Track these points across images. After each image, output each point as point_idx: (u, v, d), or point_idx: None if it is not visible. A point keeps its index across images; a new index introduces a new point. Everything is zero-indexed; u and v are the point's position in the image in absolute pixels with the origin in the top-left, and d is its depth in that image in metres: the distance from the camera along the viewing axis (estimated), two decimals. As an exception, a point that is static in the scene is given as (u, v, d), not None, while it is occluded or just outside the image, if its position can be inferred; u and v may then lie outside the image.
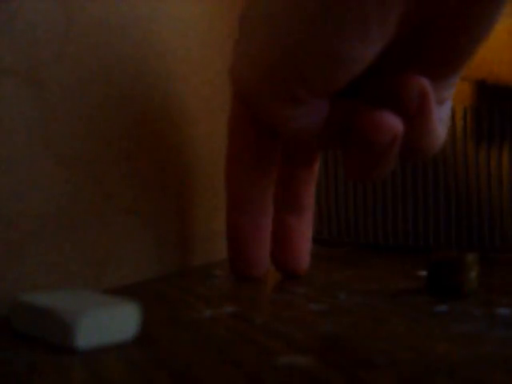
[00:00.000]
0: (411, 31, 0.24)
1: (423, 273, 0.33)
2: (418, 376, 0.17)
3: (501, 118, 0.39)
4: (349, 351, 0.20)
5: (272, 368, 0.18)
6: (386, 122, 0.24)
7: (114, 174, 0.31)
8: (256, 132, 0.29)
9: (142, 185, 0.33)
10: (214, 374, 0.18)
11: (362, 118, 0.25)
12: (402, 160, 0.28)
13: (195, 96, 0.37)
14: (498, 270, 0.34)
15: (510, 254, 0.39)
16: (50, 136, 0.28)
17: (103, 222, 0.30)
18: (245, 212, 0.30)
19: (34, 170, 0.27)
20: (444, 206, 0.40)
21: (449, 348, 0.20)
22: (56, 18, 0.28)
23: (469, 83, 0.42)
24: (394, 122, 0.25)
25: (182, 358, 0.19)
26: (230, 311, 0.25)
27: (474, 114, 0.40)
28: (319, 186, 0.44)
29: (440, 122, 0.27)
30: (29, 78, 0.27)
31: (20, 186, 0.26)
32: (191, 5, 0.37)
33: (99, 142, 0.30)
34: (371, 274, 0.33)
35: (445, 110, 0.27)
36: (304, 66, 0.24)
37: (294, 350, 0.20)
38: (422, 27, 0.24)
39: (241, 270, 0.31)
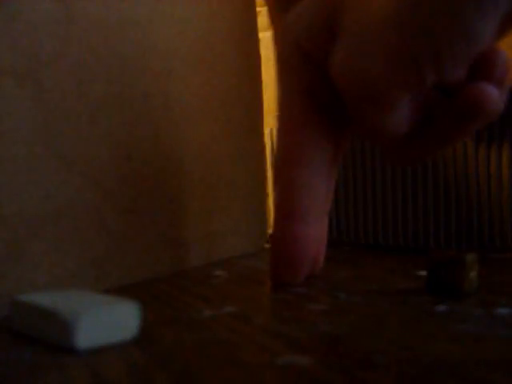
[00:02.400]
0: None
1: (423, 273, 0.33)
2: (418, 376, 0.17)
3: (501, 118, 0.39)
4: (349, 351, 0.20)
5: (272, 368, 0.18)
6: (491, 92, 0.25)
7: (113, 174, 0.31)
8: (320, 123, 0.28)
9: (141, 185, 0.33)
10: (214, 373, 0.18)
11: (468, 91, 0.25)
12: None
13: (195, 96, 0.37)
14: (498, 270, 0.34)
15: (509, 254, 0.39)
16: (50, 136, 0.28)
17: (103, 221, 0.30)
18: (299, 222, 0.29)
19: (34, 170, 0.27)
20: (444, 206, 0.40)
21: (449, 348, 0.20)
22: (56, 18, 0.28)
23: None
24: (496, 92, 0.25)
25: (182, 358, 0.19)
26: (230, 311, 0.25)
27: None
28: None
29: None
30: (29, 78, 0.27)
31: (20, 186, 0.26)
32: (191, 5, 0.37)
33: (99, 142, 0.30)
34: (371, 274, 0.33)
35: None
36: (440, 45, 0.23)
37: (294, 350, 0.20)
38: None
39: (285, 274, 0.30)
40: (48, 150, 0.28)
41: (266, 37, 0.46)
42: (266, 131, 0.47)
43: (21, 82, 0.26)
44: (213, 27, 0.39)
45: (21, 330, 0.22)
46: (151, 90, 0.34)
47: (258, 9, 0.44)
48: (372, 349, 0.20)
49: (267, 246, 0.43)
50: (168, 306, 0.27)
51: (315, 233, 0.30)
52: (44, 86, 0.27)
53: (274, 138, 0.47)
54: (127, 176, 0.32)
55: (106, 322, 0.21)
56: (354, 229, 0.44)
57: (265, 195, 0.44)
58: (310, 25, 0.27)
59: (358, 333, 0.22)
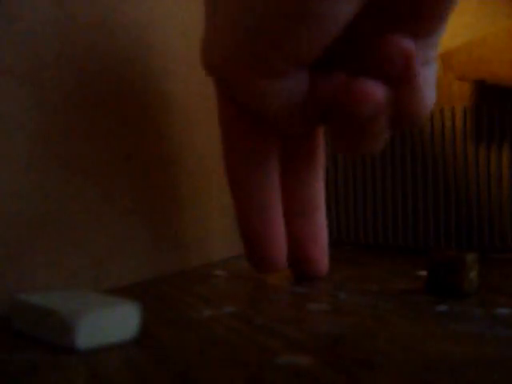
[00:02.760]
0: None
1: (423, 273, 0.33)
2: (418, 376, 0.17)
3: (501, 118, 0.39)
4: (349, 351, 0.20)
5: (272, 368, 0.18)
6: (365, 90, 0.23)
7: (113, 174, 0.31)
8: (244, 123, 0.29)
9: (141, 185, 0.33)
10: (213, 373, 0.18)
11: (342, 88, 0.24)
12: (392, 129, 0.27)
13: (195, 96, 0.37)
14: (498, 270, 0.34)
15: (509, 254, 0.39)
16: (49, 136, 0.28)
17: (103, 222, 0.30)
18: (250, 209, 0.30)
19: (34, 170, 0.27)
20: (444, 206, 0.40)
21: (449, 348, 0.20)
22: (56, 17, 0.28)
23: (469, 83, 0.42)
24: (374, 90, 0.23)
25: (181, 358, 0.19)
26: (230, 311, 0.25)
27: (474, 113, 0.40)
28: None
29: (427, 85, 0.25)
30: (29, 78, 0.27)
31: (20, 186, 0.26)
32: (191, 5, 0.37)
33: (99, 142, 0.30)
34: (371, 274, 0.33)
35: (431, 71, 0.26)
36: (278, 30, 0.22)
37: (294, 350, 0.20)
38: None
39: (258, 267, 0.31)
40: (48, 150, 0.28)
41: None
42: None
43: (21, 81, 0.26)
44: (213, 27, 0.39)
45: (21, 330, 0.22)
46: (151, 89, 0.34)
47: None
48: (372, 349, 0.20)
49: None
50: (168, 306, 0.27)
51: (275, 219, 0.30)
52: (44, 86, 0.27)
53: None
54: (127, 176, 0.32)
55: (106, 322, 0.21)
56: (354, 229, 0.44)
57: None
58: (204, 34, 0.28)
59: (358, 333, 0.22)
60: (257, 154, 0.29)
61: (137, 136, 0.33)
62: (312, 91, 0.25)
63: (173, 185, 0.35)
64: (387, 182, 0.42)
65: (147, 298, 0.29)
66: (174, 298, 0.29)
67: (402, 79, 0.24)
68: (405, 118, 0.26)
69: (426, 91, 0.25)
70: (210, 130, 0.39)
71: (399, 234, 0.42)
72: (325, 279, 0.32)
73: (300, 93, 0.25)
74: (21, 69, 0.26)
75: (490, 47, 0.39)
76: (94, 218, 0.30)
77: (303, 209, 0.31)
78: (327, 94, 0.25)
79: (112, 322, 0.21)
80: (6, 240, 0.25)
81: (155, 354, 0.20)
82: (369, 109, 0.24)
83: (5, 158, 0.26)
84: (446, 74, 0.42)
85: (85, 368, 0.19)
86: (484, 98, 0.41)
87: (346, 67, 0.26)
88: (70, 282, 0.28)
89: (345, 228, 0.44)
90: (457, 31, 0.48)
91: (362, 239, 0.43)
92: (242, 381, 0.17)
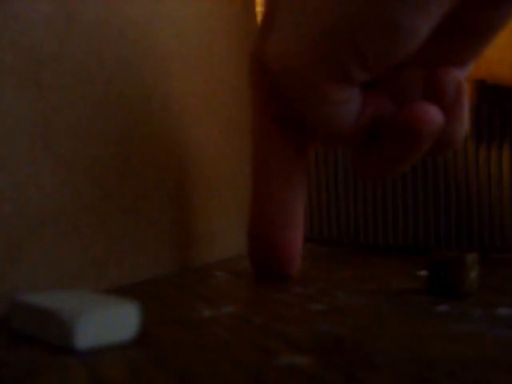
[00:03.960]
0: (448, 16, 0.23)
1: (423, 273, 0.33)
2: (417, 376, 0.17)
3: (501, 118, 0.39)
4: (349, 351, 0.20)
5: (272, 368, 0.18)
6: (433, 113, 0.24)
7: (113, 174, 0.31)
8: (282, 131, 0.28)
9: (141, 185, 0.33)
10: (213, 374, 0.18)
11: (408, 109, 0.24)
12: (430, 154, 0.27)
13: (195, 96, 0.37)
14: (498, 270, 0.34)
15: (510, 254, 0.39)
16: (49, 136, 0.28)
17: (103, 221, 0.30)
18: (273, 222, 0.30)
19: (34, 170, 0.27)
20: (444, 206, 0.40)
21: (449, 348, 0.20)
22: (56, 17, 0.28)
23: (469, 83, 0.42)
24: (439, 114, 0.24)
25: (181, 358, 0.19)
26: (230, 311, 0.25)
27: (474, 113, 0.40)
28: (319, 187, 0.44)
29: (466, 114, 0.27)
30: (29, 78, 0.27)
31: (20, 186, 0.26)
32: (191, 5, 0.37)
33: (99, 142, 0.30)
34: (371, 274, 0.33)
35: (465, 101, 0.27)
36: (362, 36, 0.22)
37: (294, 350, 0.20)
38: (457, 14, 0.23)
39: (272, 269, 0.31)
40: (48, 150, 0.28)
41: (266, 37, 0.46)
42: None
43: (21, 82, 0.26)
44: (213, 27, 0.39)
45: (21, 330, 0.22)
46: (151, 89, 0.34)
47: (257, 9, 0.44)
48: (372, 349, 0.20)
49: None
50: (168, 306, 0.27)
51: (298, 235, 0.31)
52: (44, 86, 0.27)
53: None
54: (127, 176, 0.32)
55: (106, 322, 0.21)
56: (354, 229, 0.43)
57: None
58: (260, 30, 0.27)
59: (357, 333, 0.22)
60: (290, 165, 0.29)
61: (137, 136, 0.33)
62: (365, 105, 0.26)
63: (172, 185, 0.35)
64: (388, 183, 0.42)
65: (147, 298, 0.28)
66: (173, 298, 0.29)
67: (453, 107, 0.25)
68: (445, 145, 0.27)
69: (465, 120, 0.27)
70: (210, 130, 0.39)
71: (399, 234, 0.42)
72: (325, 279, 0.32)
73: (357, 104, 0.26)
74: (21, 68, 0.26)
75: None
76: (94, 218, 0.30)
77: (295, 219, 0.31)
78: (380, 111, 0.26)
79: (112, 322, 0.21)
80: (5, 240, 0.25)
81: (155, 354, 0.20)
82: (430, 131, 0.24)
83: (5, 157, 0.26)
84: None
85: (84, 368, 0.19)
86: (484, 97, 0.41)
87: (391, 91, 0.26)
88: (70, 281, 0.28)
89: (345, 228, 0.44)
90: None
91: (361, 239, 0.43)
92: (241, 381, 0.17)
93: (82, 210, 0.29)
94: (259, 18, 0.45)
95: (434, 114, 0.24)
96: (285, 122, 0.29)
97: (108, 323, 0.21)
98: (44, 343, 0.21)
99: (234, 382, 0.17)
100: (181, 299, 0.28)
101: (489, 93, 0.41)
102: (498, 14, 0.23)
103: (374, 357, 0.19)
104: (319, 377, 0.17)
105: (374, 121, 0.26)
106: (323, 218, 0.44)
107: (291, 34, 0.24)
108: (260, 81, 0.28)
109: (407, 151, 0.26)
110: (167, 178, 0.35)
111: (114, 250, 0.31)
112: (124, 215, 0.32)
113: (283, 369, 0.18)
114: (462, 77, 0.26)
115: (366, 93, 0.26)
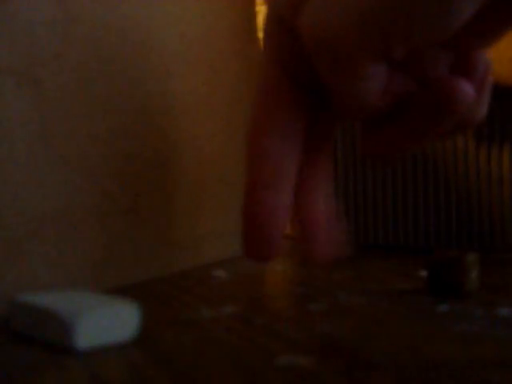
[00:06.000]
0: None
1: (423, 273, 0.33)
2: (418, 376, 0.17)
3: (501, 118, 0.39)
4: (348, 351, 0.20)
5: (272, 368, 0.18)
6: (467, 88, 0.24)
7: (113, 174, 0.31)
8: (294, 99, 0.28)
9: (141, 185, 0.33)
10: (213, 373, 0.18)
11: (443, 82, 0.25)
12: (445, 135, 0.28)
13: (195, 96, 0.37)
14: (498, 270, 0.34)
15: (510, 254, 0.39)
16: (49, 136, 0.28)
17: (103, 221, 0.30)
18: (265, 190, 0.29)
19: (34, 170, 0.27)
20: (444, 206, 0.40)
21: (449, 348, 0.20)
22: (56, 17, 0.28)
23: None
24: (470, 89, 0.25)
25: (181, 358, 0.19)
26: (230, 311, 0.25)
27: (474, 113, 0.40)
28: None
29: None
30: (28, 78, 0.27)
31: (20, 186, 0.26)
32: (191, 5, 0.37)
33: (99, 142, 0.30)
34: (371, 274, 0.33)
35: None
36: (411, 14, 0.22)
37: (294, 350, 0.20)
38: None
39: (252, 249, 0.30)
40: (48, 150, 0.27)
41: (266, 37, 0.46)
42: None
43: (20, 82, 0.26)
44: (213, 27, 0.39)
45: (20, 330, 0.22)
46: (151, 89, 0.34)
47: (257, 8, 0.44)
48: (372, 349, 0.20)
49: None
50: (168, 306, 0.27)
51: (282, 203, 0.30)
52: (44, 86, 0.27)
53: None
54: (127, 176, 0.32)
55: (106, 322, 0.21)
56: (353, 229, 0.43)
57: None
58: None
59: (358, 333, 0.22)
60: (289, 128, 0.28)
61: (137, 136, 0.33)
62: (389, 82, 0.26)
63: (173, 185, 0.35)
64: (388, 183, 0.42)
65: (147, 298, 0.28)
66: (173, 298, 0.29)
67: (481, 89, 0.26)
68: (462, 126, 0.27)
69: (487, 102, 0.27)
70: (210, 129, 0.39)
71: (400, 233, 0.42)
72: (325, 279, 0.32)
73: (384, 80, 0.26)
74: (20, 68, 0.26)
75: (490, 47, 0.39)
76: (94, 218, 0.30)
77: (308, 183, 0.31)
78: (403, 88, 0.26)
79: (112, 322, 0.21)
80: (5, 240, 0.25)
81: (155, 354, 0.20)
82: (462, 107, 0.25)
83: (5, 158, 0.26)
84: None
85: (84, 368, 0.19)
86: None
87: (416, 69, 0.26)
88: (70, 282, 0.28)
89: (345, 228, 0.44)
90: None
91: (362, 239, 0.43)
92: (242, 381, 0.17)
93: (81, 209, 0.29)
94: (259, 17, 0.45)
95: (467, 90, 0.25)
96: (299, 83, 0.28)
97: (108, 323, 0.21)
98: (44, 343, 0.21)
99: (233, 382, 0.17)
100: (181, 299, 0.28)
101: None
102: None
103: (374, 357, 0.19)
104: (319, 377, 0.17)
105: (396, 97, 0.27)
106: (323, 218, 0.44)
107: (335, 7, 0.24)
108: (277, 35, 0.28)
109: (430, 127, 0.26)
110: (167, 178, 0.35)
111: (113, 250, 0.31)
112: (124, 215, 0.32)
113: (283, 369, 0.18)
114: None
115: (390, 69, 0.26)
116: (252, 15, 0.43)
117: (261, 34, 0.30)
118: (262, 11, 0.47)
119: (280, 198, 0.30)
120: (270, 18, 0.28)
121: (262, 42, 0.30)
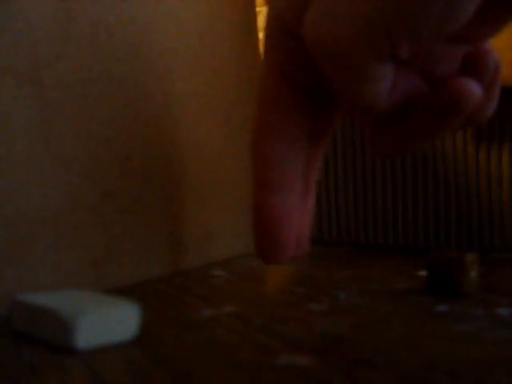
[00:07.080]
0: None
1: (423, 273, 0.33)
2: (417, 376, 0.17)
3: (501, 118, 0.39)
4: (348, 351, 0.20)
5: (272, 368, 0.18)
6: (474, 88, 0.25)
7: (113, 174, 0.31)
8: (295, 102, 0.28)
9: (141, 185, 0.33)
10: (213, 373, 0.18)
11: (450, 82, 0.25)
12: (453, 130, 0.28)
13: (195, 96, 0.37)
14: (498, 270, 0.34)
15: (509, 254, 0.39)
16: (49, 136, 0.28)
17: (103, 222, 0.30)
18: (275, 193, 0.29)
19: (34, 170, 0.27)
20: (444, 206, 0.40)
21: (449, 348, 0.20)
22: (56, 17, 0.28)
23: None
24: (477, 88, 0.25)
25: (182, 358, 0.19)
26: (230, 311, 0.25)
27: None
28: (319, 186, 0.44)
29: None
30: (29, 78, 0.27)
31: (20, 186, 0.26)
32: (191, 5, 0.37)
33: (99, 142, 0.30)
34: (371, 274, 0.33)
35: None
36: (417, 13, 0.22)
37: (294, 350, 0.20)
38: None
39: (266, 252, 0.30)
40: (47, 150, 0.27)
41: (265, 37, 0.46)
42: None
43: (21, 81, 0.26)
44: (213, 27, 0.39)
45: (21, 330, 0.22)
46: (151, 89, 0.34)
47: (257, 9, 0.44)
48: (372, 349, 0.20)
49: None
50: (168, 305, 0.27)
51: (293, 204, 0.30)
52: (44, 86, 0.27)
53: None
54: (127, 176, 0.32)
55: (106, 322, 0.21)
56: (354, 229, 0.43)
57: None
58: None
59: (358, 333, 0.22)
60: (293, 131, 0.28)
61: (137, 136, 0.33)
62: (397, 81, 0.26)
63: (173, 185, 0.35)
64: (388, 183, 0.42)
65: (147, 298, 0.28)
66: (173, 298, 0.29)
67: (490, 87, 0.26)
68: (470, 122, 0.27)
69: (496, 100, 0.27)
70: (211, 129, 0.39)
71: (399, 234, 0.42)
72: (325, 279, 0.32)
73: (391, 80, 0.26)
74: (21, 68, 0.26)
75: (490, 47, 0.39)
76: (94, 218, 0.30)
77: (308, 185, 0.31)
78: (411, 87, 0.26)
79: (112, 322, 0.21)
80: (6, 240, 0.25)
81: (155, 354, 0.20)
82: (469, 107, 0.25)
83: (5, 158, 0.26)
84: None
85: (85, 368, 0.19)
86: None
87: (415, 67, 0.26)
88: (70, 282, 0.28)
89: (345, 228, 0.44)
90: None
91: (361, 239, 0.43)
92: (242, 381, 0.17)
93: (81, 210, 0.29)
94: (260, 18, 0.45)
95: (474, 89, 0.25)
96: (302, 86, 0.29)
97: (108, 323, 0.21)
98: (44, 343, 0.21)
99: (234, 382, 0.17)
100: (181, 299, 0.28)
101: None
102: None
103: (374, 357, 0.19)
104: (319, 377, 0.17)
105: (404, 96, 0.27)
106: (324, 219, 0.44)
107: (338, 10, 0.24)
108: (278, 38, 0.28)
109: (438, 126, 0.26)
110: (167, 178, 0.35)
111: (113, 250, 0.31)
112: (124, 215, 0.32)
113: (283, 369, 0.18)
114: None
115: (397, 69, 0.26)
116: (252, 16, 0.43)
117: (261, 35, 0.31)
118: (262, 12, 0.47)
119: (288, 199, 0.30)
120: (271, 19, 0.28)
121: (262, 44, 0.30)
